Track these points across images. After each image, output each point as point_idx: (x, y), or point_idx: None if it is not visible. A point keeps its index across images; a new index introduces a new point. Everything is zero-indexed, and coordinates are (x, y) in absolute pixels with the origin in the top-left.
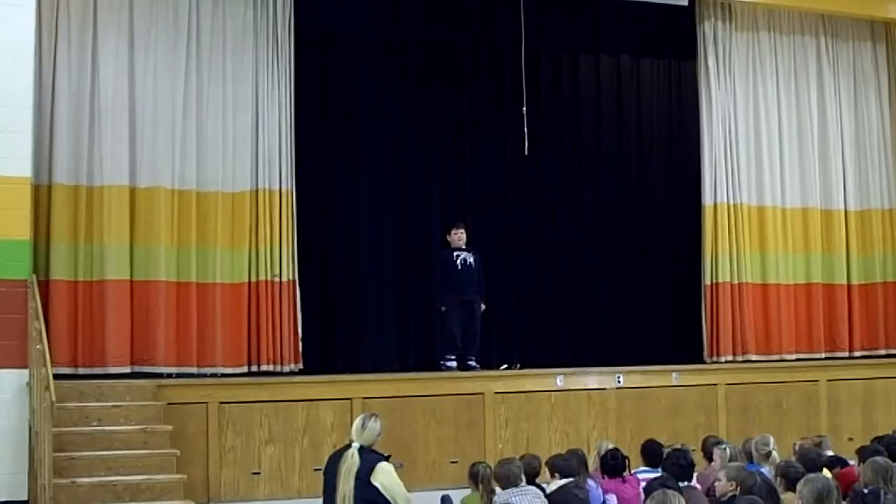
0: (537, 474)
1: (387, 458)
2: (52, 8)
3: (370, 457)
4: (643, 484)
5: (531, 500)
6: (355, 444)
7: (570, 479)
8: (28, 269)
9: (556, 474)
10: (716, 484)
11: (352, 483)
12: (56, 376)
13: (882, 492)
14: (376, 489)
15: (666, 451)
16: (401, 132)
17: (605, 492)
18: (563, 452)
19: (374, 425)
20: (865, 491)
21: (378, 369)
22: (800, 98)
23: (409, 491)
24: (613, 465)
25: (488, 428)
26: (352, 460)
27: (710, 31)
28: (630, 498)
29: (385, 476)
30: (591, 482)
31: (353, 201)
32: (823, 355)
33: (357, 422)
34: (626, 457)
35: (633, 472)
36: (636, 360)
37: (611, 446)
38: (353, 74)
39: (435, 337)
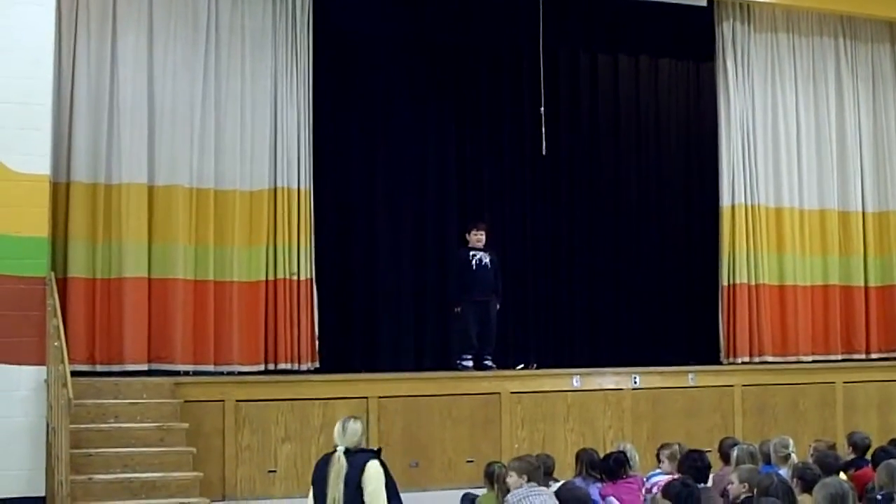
0: (551, 474)
1: (377, 452)
2: (72, 6)
3: (358, 458)
4: (657, 487)
5: (544, 500)
6: (340, 448)
7: (571, 479)
8: (46, 266)
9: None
10: (728, 487)
11: (341, 487)
12: (73, 373)
13: (895, 495)
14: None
15: (667, 452)
16: (418, 131)
17: (604, 495)
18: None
19: (355, 426)
20: (879, 496)
21: (394, 368)
22: (818, 99)
23: (424, 490)
24: (611, 467)
25: (504, 428)
26: (339, 464)
27: (728, 32)
28: (631, 500)
29: (370, 477)
30: (577, 481)
31: (370, 200)
32: (840, 357)
33: (337, 426)
34: (627, 458)
35: (647, 474)
36: (653, 360)
37: (628, 446)
38: (371, 73)
39: (451, 336)
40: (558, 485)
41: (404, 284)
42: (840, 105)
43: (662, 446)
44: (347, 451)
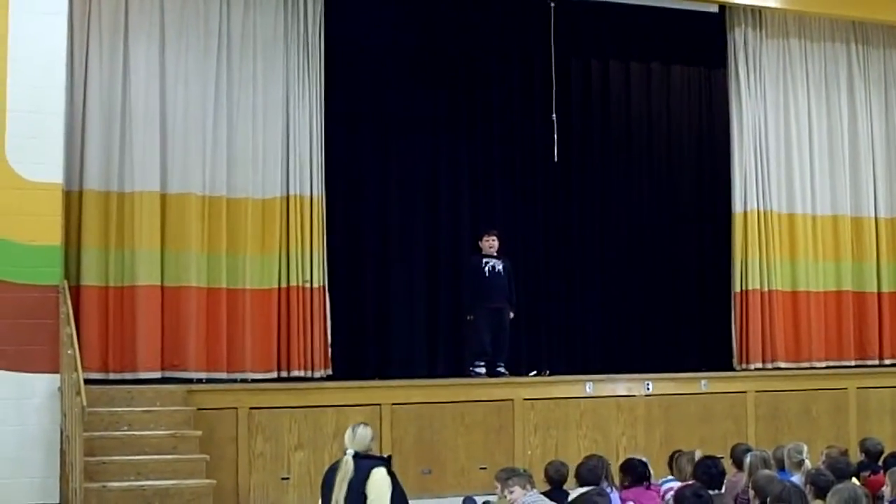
0: (564, 481)
1: (387, 460)
2: (84, 15)
3: (365, 463)
4: (670, 493)
5: None
6: (349, 452)
7: (593, 487)
8: (59, 274)
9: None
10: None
11: (344, 490)
12: (87, 381)
13: None
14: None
15: (683, 457)
16: (430, 139)
17: (624, 500)
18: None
19: (365, 431)
20: (890, 502)
21: (407, 375)
22: (830, 105)
23: (437, 497)
24: (638, 471)
25: (517, 434)
26: (346, 468)
27: (740, 38)
28: None
29: (374, 484)
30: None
31: (382, 208)
32: (853, 363)
33: (348, 431)
34: (648, 465)
35: (659, 481)
36: (665, 367)
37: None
38: (383, 81)
39: (464, 343)
40: (578, 491)
41: (417, 291)
42: (852, 110)
43: (680, 453)
44: (356, 456)
